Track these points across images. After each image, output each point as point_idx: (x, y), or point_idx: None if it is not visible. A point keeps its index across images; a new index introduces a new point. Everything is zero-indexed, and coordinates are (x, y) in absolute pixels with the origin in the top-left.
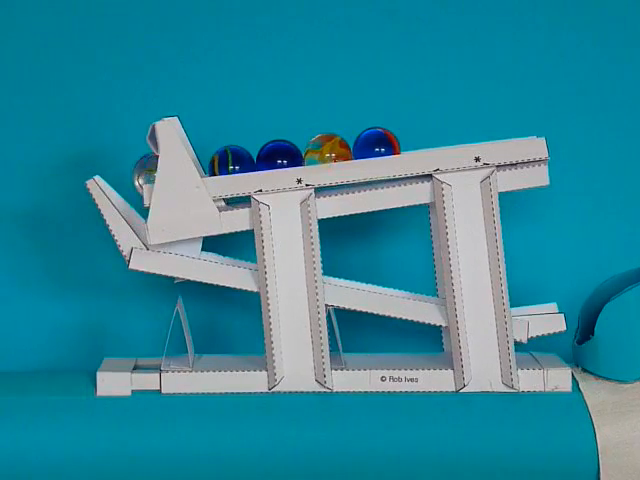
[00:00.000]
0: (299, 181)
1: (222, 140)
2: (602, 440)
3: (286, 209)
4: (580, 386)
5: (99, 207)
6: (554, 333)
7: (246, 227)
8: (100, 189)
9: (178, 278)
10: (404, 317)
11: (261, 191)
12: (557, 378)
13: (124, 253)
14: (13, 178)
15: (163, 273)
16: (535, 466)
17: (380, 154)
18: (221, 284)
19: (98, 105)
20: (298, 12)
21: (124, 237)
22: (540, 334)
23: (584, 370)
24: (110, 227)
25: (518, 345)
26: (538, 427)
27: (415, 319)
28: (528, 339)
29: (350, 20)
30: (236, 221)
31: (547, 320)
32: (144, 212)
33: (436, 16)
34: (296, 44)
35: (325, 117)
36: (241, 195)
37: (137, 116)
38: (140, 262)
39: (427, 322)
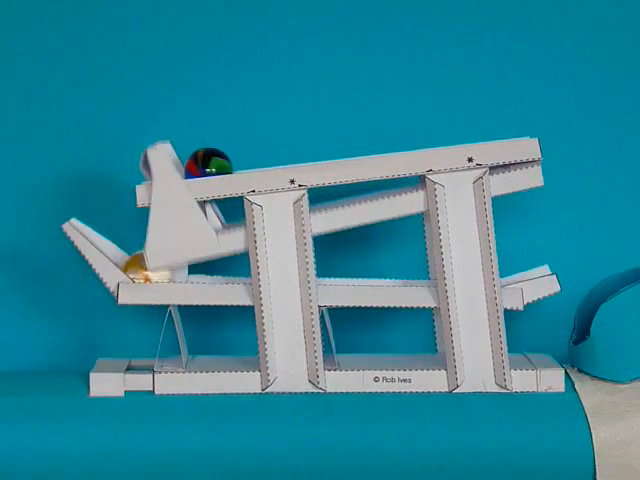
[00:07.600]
0: (292, 181)
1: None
2: (598, 441)
3: (279, 209)
4: (576, 387)
5: (79, 249)
6: (549, 295)
7: (243, 248)
8: (77, 231)
9: (170, 306)
10: (396, 305)
11: (254, 192)
12: (550, 378)
13: (111, 290)
14: (13, 182)
15: (154, 303)
16: (532, 467)
17: None
18: (215, 304)
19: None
20: (291, 17)
21: (109, 274)
22: (535, 299)
23: (580, 371)
24: (93, 267)
25: (515, 313)
26: (534, 428)
27: (407, 305)
28: (524, 305)
29: (343, 21)
30: (233, 242)
31: (540, 283)
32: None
33: (429, 17)
34: (291, 49)
35: (319, 120)
36: (234, 196)
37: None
38: (129, 296)
39: (419, 306)
